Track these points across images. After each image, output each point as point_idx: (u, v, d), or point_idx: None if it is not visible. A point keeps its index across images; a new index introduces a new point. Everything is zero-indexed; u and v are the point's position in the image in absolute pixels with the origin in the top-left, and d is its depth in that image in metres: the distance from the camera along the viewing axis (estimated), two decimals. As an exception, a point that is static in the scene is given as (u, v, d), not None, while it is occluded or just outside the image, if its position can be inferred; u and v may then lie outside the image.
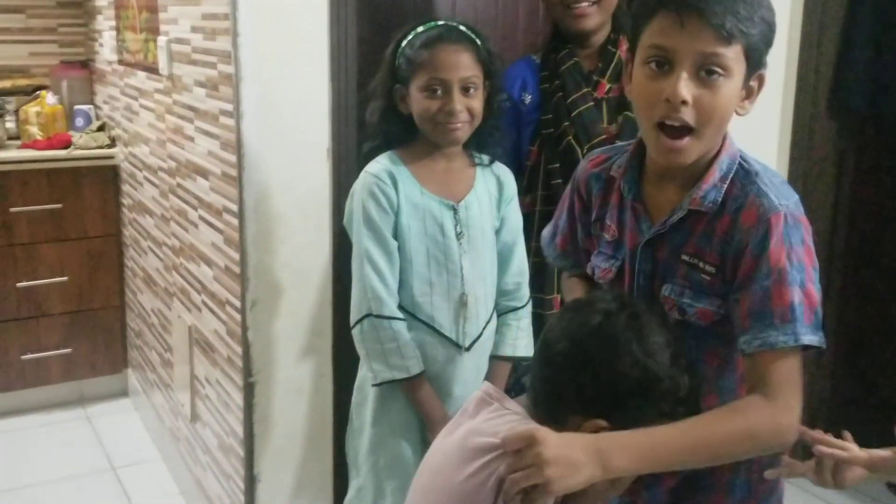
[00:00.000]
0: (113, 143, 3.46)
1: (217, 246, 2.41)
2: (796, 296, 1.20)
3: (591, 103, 2.10)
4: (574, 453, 1.11)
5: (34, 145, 3.36)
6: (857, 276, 3.13)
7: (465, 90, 1.86)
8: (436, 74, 1.84)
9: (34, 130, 3.41)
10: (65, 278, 3.42)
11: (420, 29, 1.89)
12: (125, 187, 3.43)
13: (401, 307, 1.89)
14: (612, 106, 2.10)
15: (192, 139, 2.55)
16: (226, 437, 2.45)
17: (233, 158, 2.19)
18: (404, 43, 1.89)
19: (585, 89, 2.11)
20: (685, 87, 1.20)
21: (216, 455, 2.55)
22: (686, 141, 1.22)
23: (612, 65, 2.10)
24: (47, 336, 3.44)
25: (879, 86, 2.90)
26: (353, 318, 1.91)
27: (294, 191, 2.21)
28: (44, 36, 3.72)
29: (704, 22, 1.18)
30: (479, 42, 1.89)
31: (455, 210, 1.92)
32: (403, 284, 1.90)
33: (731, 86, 1.23)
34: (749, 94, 1.28)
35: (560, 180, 2.07)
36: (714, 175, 1.28)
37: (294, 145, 2.19)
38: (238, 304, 2.25)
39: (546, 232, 1.58)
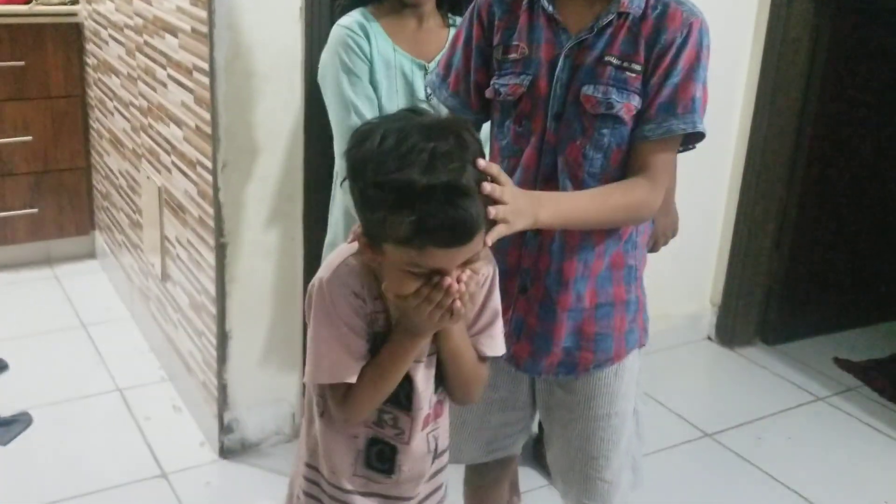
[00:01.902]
0: (75, -2, 3.35)
1: (187, 106, 2.38)
2: (698, 91, 1.40)
3: None
4: (520, 202, 1.24)
5: (-7, -1, 3.25)
6: (824, 155, 3.18)
7: None
8: None
9: (-8, -17, 3.29)
10: (29, 137, 3.36)
11: None
12: (89, 46, 3.34)
13: None
14: None
15: (159, -6, 2.48)
16: (197, 295, 2.48)
17: (203, 14, 2.14)
18: None
19: None
20: None
21: (188, 313, 2.59)
22: None
23: None
24: (13, 195, 3.41)
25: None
26: (340, 170, 1.90)
27: (266, 50, 2.17)
28: None
29: None
30: None
31: (426, 70, 1.91)
32: None
33: None
34: None
35: None
36: None
37: (266, 2, 2.14)
38: (209, 164, 2.24)
39: (435, 76, 1.59)
